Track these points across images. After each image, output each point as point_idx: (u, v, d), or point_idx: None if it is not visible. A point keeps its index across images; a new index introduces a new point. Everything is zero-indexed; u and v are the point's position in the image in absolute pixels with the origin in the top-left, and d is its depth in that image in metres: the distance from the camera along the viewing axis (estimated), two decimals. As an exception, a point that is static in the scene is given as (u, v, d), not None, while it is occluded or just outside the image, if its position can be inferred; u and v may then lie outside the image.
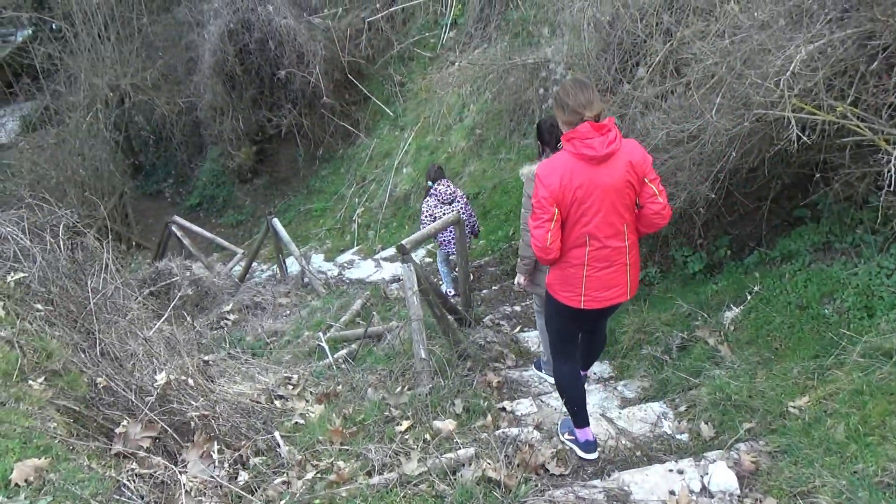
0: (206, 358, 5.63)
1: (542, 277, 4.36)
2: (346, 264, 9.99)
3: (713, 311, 4.89)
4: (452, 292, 7.68)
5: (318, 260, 10.55)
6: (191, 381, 4.59)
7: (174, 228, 10.51)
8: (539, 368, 5.33)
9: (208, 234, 10.51)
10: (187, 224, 10.56)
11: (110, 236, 13.10)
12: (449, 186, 7.49)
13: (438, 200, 7.43)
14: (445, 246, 7.68)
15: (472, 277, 7.93)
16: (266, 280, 9.88)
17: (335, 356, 6.33)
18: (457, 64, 10.29)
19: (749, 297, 4.59)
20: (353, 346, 6.46)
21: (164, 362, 4.71)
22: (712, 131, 4.59)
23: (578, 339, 4.07)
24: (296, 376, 5.06)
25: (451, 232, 7.35)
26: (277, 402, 4.76)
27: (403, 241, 5.07)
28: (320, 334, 6.61)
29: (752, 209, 5.55)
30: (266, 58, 11.55)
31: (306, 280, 8.86)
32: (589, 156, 3.29)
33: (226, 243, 10.57)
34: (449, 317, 5.51)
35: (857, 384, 3.54)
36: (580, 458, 3.88)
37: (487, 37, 11.18)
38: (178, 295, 8.22)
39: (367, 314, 7.26)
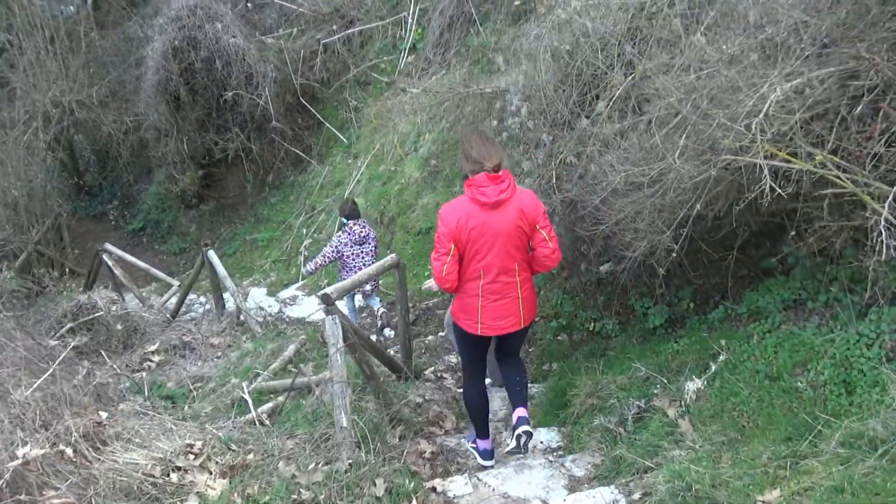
0: (102, 416, 4.97)
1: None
2: (288, 300, 9.36)
3: (674, 376, 4.36)
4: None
5: (259, 294, 9.90)
6: (69, 452, 3.94)
7: (105, 257, 9.80)
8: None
9: (142, 264, 9.81)
10: (119, 252, 9.85)
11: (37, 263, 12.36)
12: (364, 227, 7.47)
13: (351, 240, 7.41)
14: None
15: (413, 321, 7.36)
16: (201, 316, 9.20)
17: (259, 410, 5.70)
18: (412, 90, 9.77)
19: (713, 366, 4.07)
20: (280, 398, 5.85)
21: (39, 428, 4.06)
22: (675, 176, 4.10)
23: (484, 361, 4.49)
24: (199, 442, 4.41)
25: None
26: (174, 476, 4.11)
27: (328, 289, 4.49)
28: (244, 384, 5.98)
29: (717, 258, 5.06)
30: (213, 78, 10.93)
31: (242, 318, 8.20)
32: (482, 201, 3.83)
33: (160, 274, 9.88)
34: (379, 374, 4.92)
35: (837, 479, 3.02)
36: (479, 464, 4.47)
37: (446, 63, 10.71)
38: (80, 334, 7.53)
39: (301, 361, 6.64)
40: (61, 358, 4.92)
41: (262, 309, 9.14)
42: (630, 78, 5.36)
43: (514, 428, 4.21)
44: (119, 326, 8.78)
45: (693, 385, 4.00)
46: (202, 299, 10.31)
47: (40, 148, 14.19)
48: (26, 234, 12.37)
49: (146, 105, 11.84)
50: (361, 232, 7.41)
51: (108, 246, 9.94)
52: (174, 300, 10.01)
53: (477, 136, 4.08)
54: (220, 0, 11.52)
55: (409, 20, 11.84)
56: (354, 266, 7.44)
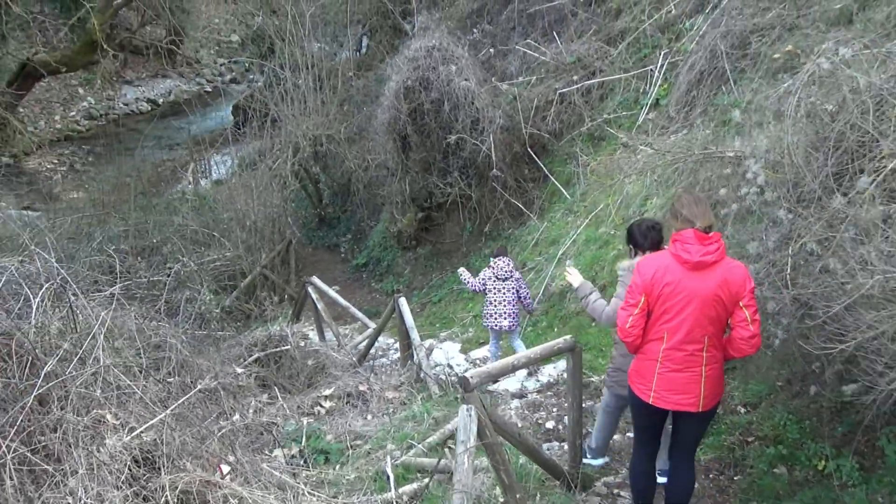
0: (224, 469, 4.53)
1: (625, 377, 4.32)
2: (479, 361, 8.64)
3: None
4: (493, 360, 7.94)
5: (452, 349, 9.29)
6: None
7: (310, 290, 9.76)
8: (583, 454, 5.13)
9: (343, 301, 9.64)
10: (323, 286, 9.76)
11: (261, 286, 12.80)
12: (508, 264, 7.94)
13: (494, 274, 7.87)
14: (488, 319, 7.96)
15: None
16: (389, 364, 8.79)
17: (399, 490, 5.01)
18: (643, 147, 8.74)
19: None
20: (426, 480, 5.10)
21: (122, 483, 3.63)
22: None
23: (657, 440, 4.18)
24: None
25: (502, 305, 7.84)
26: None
27: (470, 372, 3.66)
28: (388, 456, 5.31)
29: None
30: (440, 120, 10.66)
31: (422, 374, 7.62)
32: (683, 258, 3.65)
33: (359, 314, 9.63)
34: (520, 485, 3.99)
35: None
36: None
37: (689, 122, 9.55)
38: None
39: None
40: (185, 400, 4.50)
41: (450, 367, 8.52)
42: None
43: None
44: (310, 362, 8.62)
45: None
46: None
47: (286, 177, 14.95)
48: (257, 256, 12.92)
49: (377, 143, 11.90)
50: (505, 267, 7.86)
51: (315, 279, 9.91)
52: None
53: (688, 195, 3.92)
54: (462, 44, 11.30)
55: (656, 74, 10.83)
56: (494, 300, 7.89)
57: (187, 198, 14.76)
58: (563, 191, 10.78)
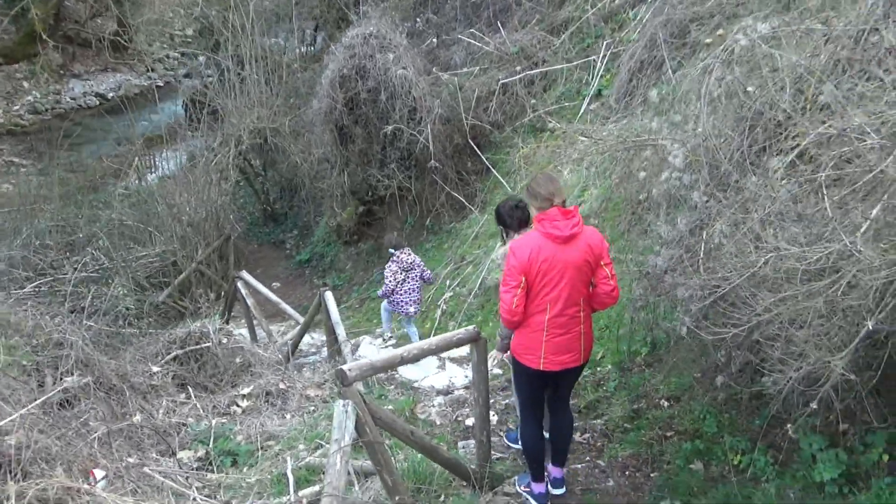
0: (96, 475, 4.18)
1: None
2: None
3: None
4: (389, 335, 9.05)
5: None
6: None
7: (239, 285, 9.39)
8: (511, 440, 5.38)
9: (273, 297, 9.27)
10: (252, 281, 9.40)
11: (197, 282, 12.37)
12: (410, 254, 8.42)
13: (400, 267, 8.31)
14: (398, 307, 8.44)
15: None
16: (318, 361, 8.46)
17: (299, 494, 4.71)
18: (582, 138, 8.52)
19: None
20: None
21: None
22: (856, 266, 2.59)
23: (543, 403, 4.48)
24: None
25: (411, 293, 8.38)
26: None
27: (345, 367, 3.36)
28: (289, 459, 4.99)
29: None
30: (377, 110, 10.34)
31: (347, 371, 7.29)
32: (555, 235, 3.93)
33: (289, 310, 9.27)
34: (407, 487, 3.70)
35: None
36: None
37: (630, 112, 9.35)
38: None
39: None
40: (45, 398, 4.14)
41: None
42: (825, 126, 3.82)
43: (547, 486, 4.57)
44: (238, 360, 8.26)
45: None
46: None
47: (227, 171, 14.49)
48: (192, 252, 12.47)
49: (315, 135, 11.53)
50: (408, 259, 8.33)
51: (244, 274, 9.54)
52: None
53: (542, 175, 4.22)
54: (401, 32, 10.99)
55: (598, 64, 10.63)
56: (401, 290, 8.34)
57: (124, 193, 14.21)
58: (505, 183, 10.52)
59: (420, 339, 8.32)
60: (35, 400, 4.67)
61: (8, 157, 24.71)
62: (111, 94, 29.90)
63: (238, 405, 6.99)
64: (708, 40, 7.79)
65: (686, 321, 3.88)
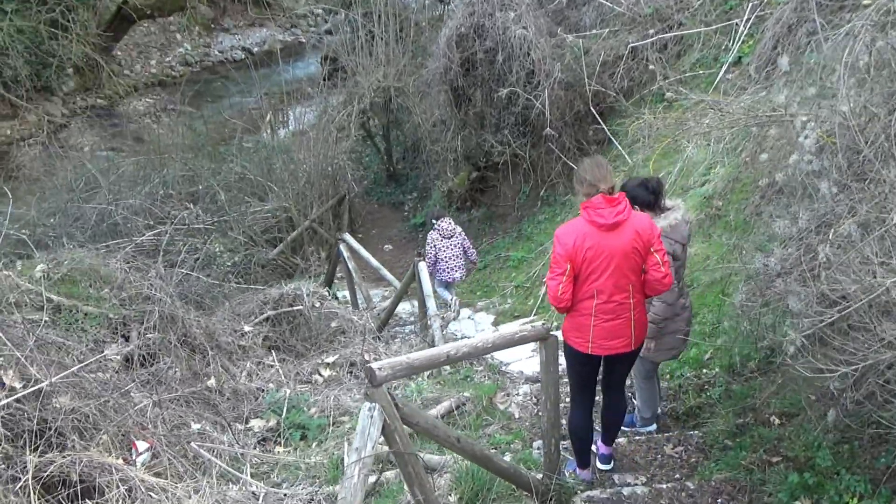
0: (142, 444, 4.04)
1: (666, 341, 4.71)
2: (506, 337, 7.90)
3: None
4: (453, 298, 9.03)
5: (485, 321, 8.60)
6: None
7: (342, 247, 9.23)
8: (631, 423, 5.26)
9: (374, 262, 9.05)
10: (355, 245, 9.21)
11: (309, 241, 12.38)
12: (450, 223, 8.91)
13: (440, 234, 8.80)
14: (442, 273, 8.81)
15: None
16: (413, 331, 8.19)
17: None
18: (714, 110, 7.68)
19: None
20: (388, 473, 4.49)
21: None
22: None
23: (593, 388, 4.41)
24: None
25: (452, 260, 8.80)
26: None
27: (378, 364, 2.97)
28: (346, 443, 4.71)
29: None
30: (493, 72, 9.81)
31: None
32: (599, 223, 3.87)
33: (389, 276, 9.02)
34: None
35: None
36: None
37: (770, 83, 8.37)
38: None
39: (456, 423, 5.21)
40: (91, 361, 4.00)
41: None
42: None
43: (592, 461, 4.59)
44: (333, 324, 8.13)
45: None
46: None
47: (349, 130, 14.42)
48: (306, 209, 12.49)
49: (430, 96, 11.15)
50: (448, 227, 8.82)
51: (347, 236, 9.36)
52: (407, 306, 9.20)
53: (590, 160, 4.10)
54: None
55: (741, 27, 9.61)
56: (444, 257, 8.76)
57: (247, 146, 14.41)
58: (626, 155, 9.78)
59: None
60: (103, 356, 4.57)
61: (161, 106, 25.89)
62: (256, 49, 30.80)
63: (321, 374, 6.82)
64: (867, 1, 6.75)
65: (795, 338, 3.23)
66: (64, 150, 16.40)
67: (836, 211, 3.60)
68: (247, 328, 7.55)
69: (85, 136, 21.35)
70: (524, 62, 9.53)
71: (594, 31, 11.10)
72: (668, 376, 6.08)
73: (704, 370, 5.90)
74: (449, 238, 8.74)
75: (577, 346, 4.11)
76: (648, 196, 4.49)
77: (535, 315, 8.44)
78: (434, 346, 7.05)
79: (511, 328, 8.11)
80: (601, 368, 4.33)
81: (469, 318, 8.73)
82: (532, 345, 7.31)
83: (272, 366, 7.02)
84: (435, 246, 8.72)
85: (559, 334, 4.20)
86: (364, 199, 16.34)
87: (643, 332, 4.20)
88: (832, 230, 3.66)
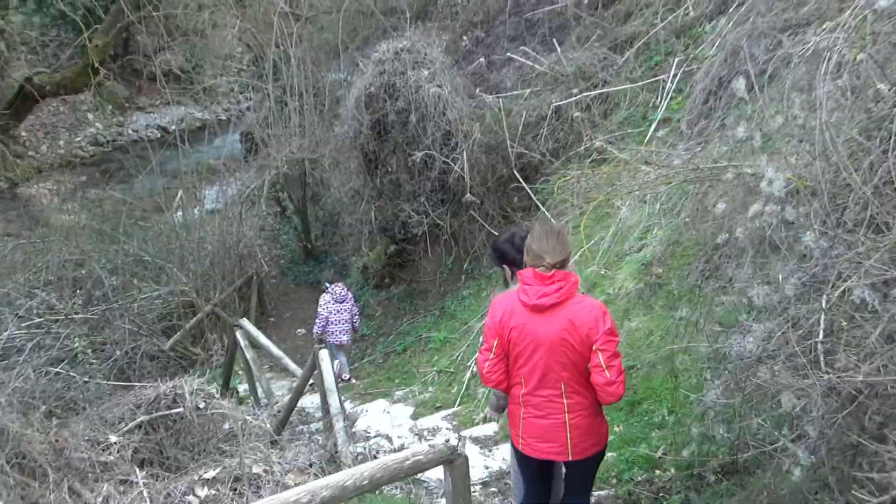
0: None
1: None
2: (427, 433, 6.80)
3: None
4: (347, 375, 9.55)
5: (402, 415, 7.46)
6: None
7: (238, 335, 8.04)
8: None
9: (275, 350, 7.84)
10: (253, 330, 8.03)
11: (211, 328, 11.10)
12: (343, 289, 9.40)
13: (333, 298, 9.23)
14: (331, 336, 9.30)
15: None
16: (307, 437, 6.98)
17: None
18: (646, 168, 6.93)
19: None
20: None
21: None
22: None
23: (536, 487, 3.80)
24: None
25: (341, 324, 9.32)
26: None
27: None
28: None
29: None
30: (406, 134, 8.95)
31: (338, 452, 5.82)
32: (522, 301, 3.35)
33: (293, 365, 7.82)
34: None
35: None
36: None
37: (704, 139, 7.71)
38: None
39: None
40: None
41: (388, 440, 6.71)
42: None
43: None
44: (227, 426, 6.90)
45: None
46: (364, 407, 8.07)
47: (259, 205, 13.36)
48: (208, 293, 11.26)
49: (342, 163, 10.22)
50: (341, 292, 9.28)
51: (245, 322, 8.18)
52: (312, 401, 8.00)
53: (541, 227, 3.46)
54: (439, 47, 9.63)
55: (668, 84, 9.04)
56: (335, 320, 9.28)
57: (145, 225, 13.17)
58: (552, 220, 8.94)
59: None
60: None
61: (64, 188, 24.42)
62: (173, 127, 29.67)
63: (196, 494, 5.56)
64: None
65: (801, 457, 2.25)
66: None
67: (831, 270, 2.69)
68: (113, 438, 6.26)
69: (-21, 221, 19.79)
70: (439, 122, 8.70)
71: (515, 92, 10.43)
72: (614, 480, 5.04)
73: (658, 471, 4.89)
74: (341, 303, 9.16)
75: (513, 439, 3.60)
76: (515, 254, 3.69)
77: (458, 406, 7.36)
78: (338, 449, 5.93)
79: (429, 421, 7.00)
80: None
81: (385, 411, 7.57)
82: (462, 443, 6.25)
83: (139, 486, 5.72)
84: (327, 308, 9.12)
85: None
86: (280, 279, 15.17)
87: (586, 441, 3.43)
88: (824, 295, 2.76)
